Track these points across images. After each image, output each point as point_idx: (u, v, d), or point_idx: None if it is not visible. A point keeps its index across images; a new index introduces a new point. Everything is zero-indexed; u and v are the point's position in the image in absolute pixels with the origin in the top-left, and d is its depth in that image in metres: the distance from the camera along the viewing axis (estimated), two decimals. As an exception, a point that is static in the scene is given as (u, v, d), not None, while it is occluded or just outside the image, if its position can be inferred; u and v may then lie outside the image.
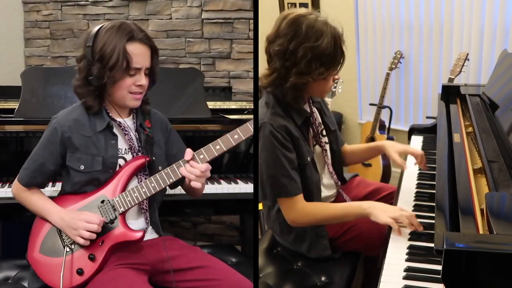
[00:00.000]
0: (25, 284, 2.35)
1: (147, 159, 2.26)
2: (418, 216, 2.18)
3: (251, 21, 4.06)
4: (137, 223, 2.29)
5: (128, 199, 2.19)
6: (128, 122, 2.31)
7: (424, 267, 1.83)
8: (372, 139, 4.55)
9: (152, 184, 2.19)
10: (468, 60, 3.87)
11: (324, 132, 2.54)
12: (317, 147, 2.48)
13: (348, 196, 2.61)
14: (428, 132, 3.33)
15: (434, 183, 2.27)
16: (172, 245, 2.29)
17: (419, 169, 2.74)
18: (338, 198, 2.62)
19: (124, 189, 2.23)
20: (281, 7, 5.39)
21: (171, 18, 4.17)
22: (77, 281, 2.16)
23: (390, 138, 4.50)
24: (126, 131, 2.28)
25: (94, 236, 2.15)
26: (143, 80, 2.20)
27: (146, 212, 2.30)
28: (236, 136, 2.13)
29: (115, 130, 2.27)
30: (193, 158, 2.15)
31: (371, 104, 4.81)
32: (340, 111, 5.14)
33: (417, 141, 3.25)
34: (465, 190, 1.84)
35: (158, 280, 2.26)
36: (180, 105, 3.15)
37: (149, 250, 2.25)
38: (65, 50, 4.43)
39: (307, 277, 2.39)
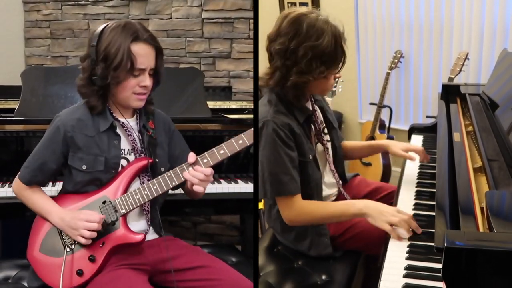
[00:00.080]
0: (25, 284, 2.35)
1: (150, 160, 2.25)
2: (418, 215, 2.20)
3: (251, 20, 4.05)
4: (138, 225, 2.28)
5: (130, 201, 2.19)
6: (132, 122, 2.29)
7: (424, 265, 1.83)
8: (372, 138, 4.55)
9: (155, 187, 2.18)
10: (468, 59, 3.87)
11: (325, 130, 2.54)
12: (319, 145, 2.48)
13: (349, 195, 2.61)
14: (428, 131, 3.33)
15: (434, 182, 2.27)
16: (172, 245, 2.28)
17: (419, 168, 2.76)
18: (339, 197, 2.62)
19: (126, 190, 2.22)
20: (281, 7, 5.39)
21: (171, 18, 4.17)
22: (76, 282, 2.15)
23: (390, 138, 4.50)
24: (129, 131, 2.26)
25: (95, 234, 2.14)
26: (147, 81, 2.19)
27: (148, 214, 2.29)
28: (240, 142, 2.12)
29: (118, 131, 2.25)
30: (196, 162, 2.14)
31: (371, 104, 4.81)
32: (340, 110, 5.14)
33: (417, 141, 3.25)
34: (465, 188, 1.85)
35: (159, 280, 2.26)
36: (180, 105, 3.15)
37: (149, 250, 2.24)
38: (65, 50, 4.43)
39: (307, 275, 2.38)
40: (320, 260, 2.44)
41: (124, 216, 2.20)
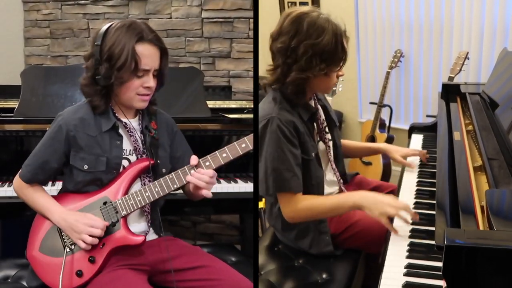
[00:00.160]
0: (25, 283, 2.34)
1: (152, 162, 2.24)
2: (418, 214, 2.18)
3: (251, 20, 4.05)
4: (138, 226, 2.27)
5: (131, 202, 2.18)
6: (134, 123, 2.28)
7: (424, 263, 1.83)
8: (372, 137, 4.55)
9: (156, 189, 2.17)
10: (468, 58, 3.88)
11: (327, 129, 2.56)
12: (321, 144, 2.49)
13: None
14: (428, 130, 3.34)
15: (435, 181, 2.28)
16: (172, 245, 2.28)
17: (420, 167, 2.77)
18: None
19: (127, 191, 2.21)
20: (281, 7, 5.39)
21: (171, 17, 4.17)
22: (76, 283, 2.15)
23: (390, 137, 4.50)
24: (131, 132, 2.25)
25: (96, 241, 2.13)
26: (151, 82, 2.16)
27: (148, 215, 2.28)
28: (243, 145, 2.12)
29: (120, 131, 2.23)
30: (198, 165, 2.14)
31: (371, 103, 4.81)
32: (340, 109, 5.14)
33: (417, 140, 3.26)
34: (465, 187, 1.85)
35: (158, 280, 2.25)
36: (180, 104, 3.14)
37: (149, 250, 2.23)
38: (65, 49, 4.43)
39: (308, 274, 2.39)
40: (320, 258, 2.45)
41: (125, 217, 2.19)
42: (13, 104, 3.07)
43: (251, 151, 2.14)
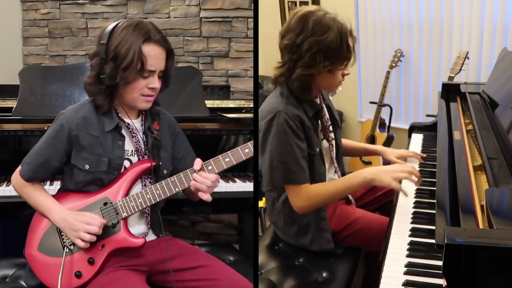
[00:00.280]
0: (23, 283, 2.33)
1: (153, 163, 2.22)
2: (418, 213, 2.23)
3: (250, 19, 4.06)
4: (138, 227, 2.26)
5: (132, 204, 2.16)
6: (137, 123, 2.26)
7: (424, 262, 1.84)
8: (372, 137, 4.56)
9: (157, 192, 2.15)
10: (468, 58, 3.88)
11: (331, 128, 2.58)
12: (324, 142, 2.53)
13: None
14: (428, 130, 3.35)
15: (435, 180, 2.28)
16: (171, 245, 2.27)
17: (420, 167, 2.77)
18: None
19: (127, 192, 2.19)
20: (281, 6, 5.39)
21: (169, 17, 4.17)
22: (75, 284, 2.13)
23: (390, 137, 4.50)
24: (134, 133, 2.23)
25: (94, 238, 2.12)
26: (156, 83, 2.14)
27: (148, 216, 2.28)
28: (246, 150, 2.11)
29: (123, 131, 2.21)
30: (201, 169, 2.13)
31: (371, 103, 4.80)
32: (340, 109, 5.13)
33: (417, 139, 3.26)
34: (465, 186, 1.85)
35: (157, 280, 2.25)
36: (178, 104, 3.13)
37: (148, 251, 2.22)
38: (64, 49, 4.44)
39: (308, 273, 2.40)
40: (321, 257, 2.46)
41: (125, 219, 2.18)
42: (12, 103, 3.06)
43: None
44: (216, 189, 2.16)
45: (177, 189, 2.15)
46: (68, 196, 2.23)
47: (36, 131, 2.88)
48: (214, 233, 4.22)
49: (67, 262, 2.15)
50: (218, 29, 4.10)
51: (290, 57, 2.32)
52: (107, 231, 2.15)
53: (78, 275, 2.13)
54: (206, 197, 2.13)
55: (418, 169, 2.75)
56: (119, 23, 2.13)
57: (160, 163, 2.25)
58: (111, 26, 2.12)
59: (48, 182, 2.69)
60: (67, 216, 2.15)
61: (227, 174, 3.04)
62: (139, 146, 2.24)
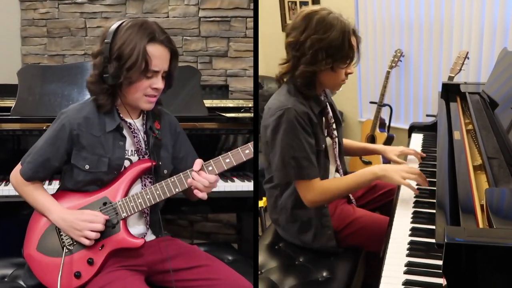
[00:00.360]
0: (21, 282, 2.32)
1: (153, 163, 2.21)
2: (418, 212, 2.24)
3: (248, 19, 4.07)
4: (137, 227, 2.25)
5: (132, 204, 2.15)
6: (138, 123, 2.25)
7: (424, 262, 1.85)
8: (372, 137, 4.56)
9: (157, 192, 2.15)
10: (468, 58, 3.89)
11: (334, 126, 2.61)
12: (328, 139, 2.55)
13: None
14: (428, 130, 3.36)
15: (435, 180, 2.27)
16: (170, 245, 2.26)
17: (420, 166, 2.78)
18: None
19: (127, 192, 2.18)
20: (281, 6, 5.39)
21: (168, 17, 4.17)
22: (74, 284, 2.12)
23: (390, 136, 4.51)
24: (135, 133, 2.22)
25: (99, 235, 2.12)
26: (160, 83, 2.13)
27: (147, 216, 2.27)
28: (247, 151, 2.10)
29: (124, 132, 2.20)
30: (201, 169, 2.12)
31: (371, 102, 4.81)
32: (340, 109, 5.06)
33: (417, 139, 3.26)
34: (465, 186, 1.86)
35: (156, 280, 2.24)
36: (177, 103, 3.12)
37: (147, 251, 2.21)
38: (62, 48, 4.43)
39: (309, 272, 2.41)
40: (321, 256, 2.48)
41: (125, 219, 2.17)
42: (10, 103, 3.05)
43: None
44: (215, 189, 2.16)
45: (177, 190, 2.14)
46: (67, 195, 2.22)
47: (35, 130, 2.88)
48: (213, 232, 4.22)
49: (67, 263, 2.14)
50: (216, 29, 4.11)
51: (293, 55, 2.37)
52: (106, 231, 2.14)
53: (78, 275, 2.12)
54: (201, 195, 2.12)
55: (418, 168, 2.73)
56: (123, 22, 2.12)
57: (160, 163, 2.25)
58: (115, 25, 2.11)
59: (47, 182, 2.68)
60: (67, 216, 2.14)
61: (226, 174, 3.03)
62: (140, 146, 2.23)
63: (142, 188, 2.23)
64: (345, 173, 2.71)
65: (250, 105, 3.36)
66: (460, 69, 3.84)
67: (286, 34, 2.43)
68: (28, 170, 2.21)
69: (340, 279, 2.36)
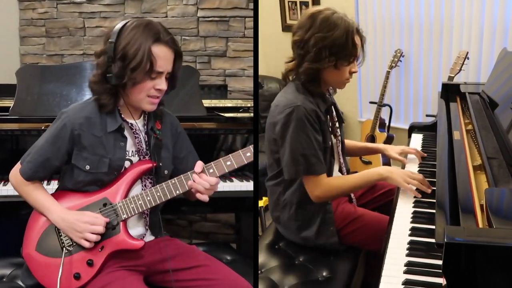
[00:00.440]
0: (20, 283, 2.31)
1: (154, 164, 2.20)
2: (418, 212, 2.25)
3: (247, 19, 4.08)
4: (137, 228, 2.25)
5: (132, 206, 2.15)
6: (139, 124, 2.23)
7: (424, 261, 1.85)
8: (372, 137, 4.56)
9: (158, 194, 2.14)
10: (468, 58, 3.90)
11: (337, 124, 2.66)
12: (332, 137, 2.59)
13: None
14: (428, 130, 3.36)
15: (435, 179, 2.28)
16: (169, 246, 2.26)
17: (419, 167, 2.80)
18: None
19: (127, 193, 2.17)
20: (282, 6, 5.39)
21: (166, 16, 4.17)
22: (73, 286, 2.12)
23: (390, 136, 4.51)
24: (136, 134, 2.21)
25: (99, 238, 2.11)
26: (163, 84, 2.12)
27: (147, 217, 2.26)
28: (248, 154, 2.11)
29: (125, 132, 2.19)
30: (202, 171, 2.11)
31: (371, 102, 4.82)
32: (340, 109, 5.11)
33: (417, 139, 3.26)
34: (465, 186, 1.86)
35: (156, 280, 2.24)
36: (176, 103, 3.11)
37: (146, 251, 2.21)
38: (61, 48, 4.43)
39: (308, 272, 2.42)
40: (321, 255, 2.50)
41: (125, 221, 2.16)
42: (9, 103, 3.04)
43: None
44: (214, 189, 2.17)
45: (177, 192, 2.14)
46: (67, 195, 2.21)
47: (33, 130, 2.87)
48: (212, 232, 4.22)
49: (66, 263, 2.13)
50: (215, 29, 4.11)
51: (298, 53, 2.43)
52: (106, 232, 2.13)
53: (77, 276, 2.11)
54: (203, 197, 2.13)
55: (418, 168, 2.78)
56: (128, 22, 2.10)
57: (161, 164, 2.24)
58: (120, 25, 2.09)
59: (45, 182, 2.67)
60: (67, 217, 2.13)
61: (225, 174, 3.02)
62: (141, 147, 2.22)
63: (142, 189, 2.22)
64: (348, 171, 2.75)
65: (249, 105, 3.36)
66: (460, 69, 3.85)
67: (292, 33, 2.49)
68: (28, 169, 2.19)
69: (340, 278, 2.37)
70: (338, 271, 2.41)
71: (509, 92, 2.43)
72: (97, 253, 2.12)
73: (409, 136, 3.37)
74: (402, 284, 1.73)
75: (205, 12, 4.10)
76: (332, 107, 2.62)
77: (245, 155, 2.10)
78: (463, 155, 2.17)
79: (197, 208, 3.29)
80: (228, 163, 2.11)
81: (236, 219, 3.87)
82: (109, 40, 2.07)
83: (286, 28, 5.47)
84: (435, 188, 2.20)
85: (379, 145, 3.13)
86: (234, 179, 3.00)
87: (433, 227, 1.88)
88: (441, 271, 1.39)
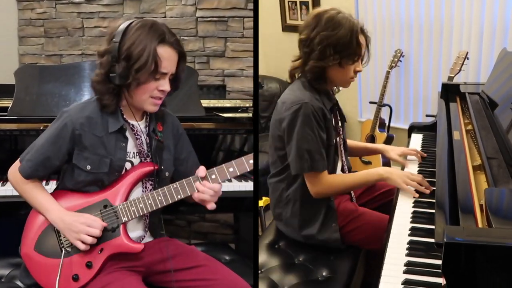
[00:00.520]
0: (18, 283, 2.31)
1: (156, 167, 2.20)
2: (418, 212, 2.26)
3: (246, 19, 4.09)
4: (136, 230, 2.25)
5: (133, 209, 2.14)
6: (141, 125, 2.23)
7: (424, 261, 1.86)
8: (372, 137, 4.56)
9: (159, 198, 2.14)
10: (467, 58, 3.91)
11: (339, 123, 2.69)
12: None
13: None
14: (427, 130, 3.36)
15: (434, 180, 2.28)
16: (168, 246, 2.25)
17: (419, 167, 2.81)
18: None
19: (127, 195, 2.17)
20: (282, 6, 5.38)
21: (165, 17, 4.17)
22: (71, 287, 2.11)
23: (390, 136, 4.52)
24: (138, 135, 2.21)
25: (95, 241, 2.10)
26: (166, 85, 2.11)
27: (147, 219, 2.26)
28: (251, 161, 2.11)
29: (127, 133, 2.19)
30: (205, 178, 2.11)
31: (371, 102, 4.82)
32: (340, 109, 5.14)
33: (417, 139, 3.27)
34: (464, 186, 1.86)
35: (155, 280, 2.23)
36: (175, 104, 3.09)
37: (145, 252, 2.20)
38: (59, 48, 4.43)
39: (308, 271, 2.43)
40: (321, 255, 2.51)
41: (125, 223, 2.16)
42: (7, 103, 3.04)
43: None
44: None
45: (179, 197, 2.14)
46: (67, 195, 2.21)
47: (32, 130, 2.86)
48: (210, 232, 4.22)
49: (65, 265, 2.12)
50: (214, 29, 4.11)
51: (304, 51, 2.49)
52: (106, 235, 2.12)
53: (76, 278, 2.10)
54: (210, 206, 2.14)
55: (418, 168, 2.79)
56: (132, 22, 2.10)
57: (162, 167, 2.24)
58: (124, 25, 2.09)
59: (44, 182, 2.66)
60: (66, 217, 2.12)
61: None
62: (142, 148, 2.22)
63: (142, 191, 2.22)
64: (350, 169, 2.78)
65: (248, 105, 3.35)
66: (460, 69, 3.86)
67: (298, 33, 2.54)
68: (28, 168, 2.19)
69: (340, 278, 2.38)
70: (338, 271, 2.42)
71: (509, 92, 2.43)
72: (96, 255, 2.12)
73: (409, 136, 3.37)
74: (402, 284, 1.73)
75: (203, 12, 4.10)
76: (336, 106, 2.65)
77: (248, 162, 2.11)
78: (462, 155, 2.17)
79: (196, 208, 3.25)
80: (231, 169, 2.11)
81: (234, 219, 3.88)
82: (113, 39, 2.06)
83: (286, 28, 5.47)
84: (434, 188, 2.20)
85: (379, 145, 3.16)
86: (233, 179, 2.98)
87: (433, 227, 1.88)
88: (440, 271, 1.39)
